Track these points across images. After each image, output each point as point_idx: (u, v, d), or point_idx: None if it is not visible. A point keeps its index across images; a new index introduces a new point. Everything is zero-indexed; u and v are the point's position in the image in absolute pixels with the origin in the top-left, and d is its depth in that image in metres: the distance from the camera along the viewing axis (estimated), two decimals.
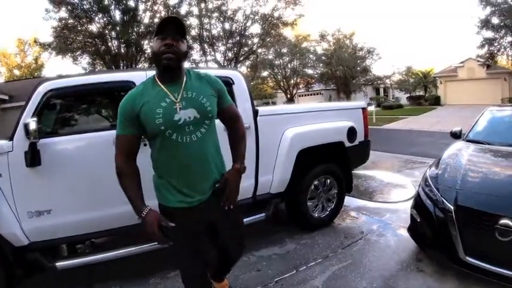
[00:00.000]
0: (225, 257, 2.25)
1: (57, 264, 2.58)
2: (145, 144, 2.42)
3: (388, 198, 4.92)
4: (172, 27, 1.69)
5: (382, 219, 4.06)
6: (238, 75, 3.22)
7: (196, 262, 1.90)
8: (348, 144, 3.83)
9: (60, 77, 2.77)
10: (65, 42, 16.79)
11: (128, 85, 2.72)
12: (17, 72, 33.64)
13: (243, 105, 3.08)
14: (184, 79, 1.76)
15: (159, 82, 1.74)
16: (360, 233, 3.67)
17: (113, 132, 2.58)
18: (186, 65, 1.90)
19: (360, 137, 4.03)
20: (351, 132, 3.85)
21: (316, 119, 3.69)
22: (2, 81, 27.90)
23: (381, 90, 38.79)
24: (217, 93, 1.83)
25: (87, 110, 3.07)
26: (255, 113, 3.18)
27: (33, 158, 2.39)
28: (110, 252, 2.73)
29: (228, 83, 3.05)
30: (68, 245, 2.84)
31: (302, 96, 36.83)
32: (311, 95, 36.77)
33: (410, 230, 3.17)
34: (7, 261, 2.51)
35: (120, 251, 2.75)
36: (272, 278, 2.86)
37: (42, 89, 2.54)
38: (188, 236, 1.82)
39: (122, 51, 17.40)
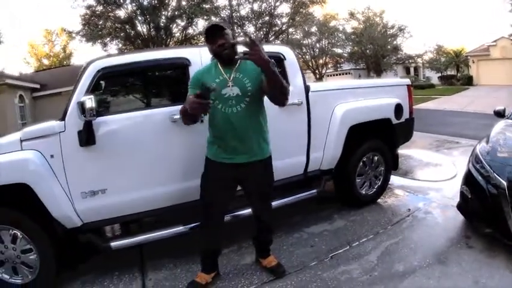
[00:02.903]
0: (257, 221, 2.58)
1: (111, 244, 2.56)
2: (201, 121, 2.47)
3: (429, 177, 4.83)
4: (214, 31, 2.14)
5: (427, 197, 4.01)
6: (289, 51, 3.18)
7: (217, 205, 2.39)
8: (394, 121, 3.75)
9: (111, 55, 2.76)
10: (94, 28, 16.93)
11: (182, 62, 2.73)
12: (45, 61, 34.20)
13: (295, 81, 3.05)
14: (238, 63, 2.21)
15: (219, 64, 2.24)
16: (407, 211, 3.64)
17: (168, 109, 2.66)
18: None
19: (406, 114, 3.93)
20: (398, 109, 3.76)
21: (364, 95, 3.62)
22: (32, 71, 28.70)
23: (411, 70, 37.49)
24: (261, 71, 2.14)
25: (140, 87, 3.05)
26: (307, 89, 3.14)
27: (88, 136, 2.38)
28: (164, 230, 2.71)
29: (280, 58, 3.02)
30: (121, 224, 2.86)
31: (331, 76, 35.92)
32: (340, 74, 35.98)
33: (460, 206, 3.13)
34: (59, 244, 2.55)
35: (174, 229, 2.73)
36: (326, 254, 2.89)
37: (94, 67, 2.51)
38: (218, 184, 2.31)
39: (152, 35, 17.42)
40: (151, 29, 17.41)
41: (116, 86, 2.90)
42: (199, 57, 2.75)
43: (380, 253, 2.84)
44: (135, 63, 2.68)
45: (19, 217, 2.46)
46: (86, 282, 2.77)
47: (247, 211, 2.75)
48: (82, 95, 2.36)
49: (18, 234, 2.46)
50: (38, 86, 18.96)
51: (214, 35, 2.12)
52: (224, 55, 2.14)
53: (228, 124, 2.19)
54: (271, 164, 2.42)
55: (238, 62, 2.21)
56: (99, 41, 17.47)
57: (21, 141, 2.42)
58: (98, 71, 2.51)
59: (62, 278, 2.73)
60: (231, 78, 2.18)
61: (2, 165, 2.36)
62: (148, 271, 2.86)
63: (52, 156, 2.40)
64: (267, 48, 3.14)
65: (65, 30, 19.35)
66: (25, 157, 2.37)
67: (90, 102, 2.23)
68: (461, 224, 3.19)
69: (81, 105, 2.25)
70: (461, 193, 3.08)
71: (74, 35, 17.84)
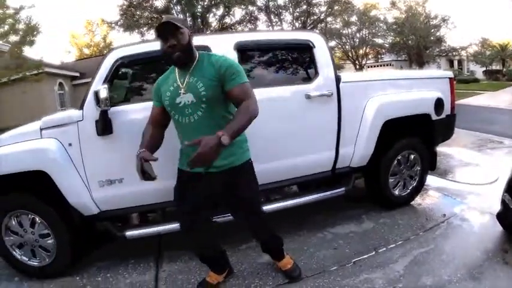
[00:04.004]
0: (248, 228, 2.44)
1: (126, 233, 2.60)
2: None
3: (469, 179, 4.45)
4: (168, 27, 1.84)
5: (465, 202, 3.68)
6: (319, 38, 2.95)
7: (190, 216, 2.15)
8: (434, 117, 3.43)
9: (129, 44, 2.67)
10: (131, 18, 17.29)
11: (204, 50, 2.60)
12: (86, 51, 35.46)
13: (324, 70, 2.85)
14: (194, 65, 1.95)
15: (176, 69, 2.01)
16: (442, 216, 3.35)
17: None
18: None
19: (447, 110, 3.59)
20: (439, 104, 3.43)
21: (401, 87, 3.34)
22: (73, 60, 29.92)
23: (455, 63, 35.73)
24: (221, 77, 1.90)
25: (158, 76, 2.98)
26: (337, 80, 2.92)
27: (104, 126, 2.37)
28: None
29: (308, 46, 2.84)
30: (139, 214, 2.83)
31: (371, 67, 35.04)
32: (381, 65, 34.96)
33: (499, 216, 2.85)
34: (75, 231, 2.60)
35: None
36: (349, 258, 2.69)
37: (113, 56, 2.49)
38: (194, 193, 2.09)
39: (189, 24, 17.48)
40: (188, 18, 17.48)
41: (135, 74, 2.84)
42: (218, 46, 2.60)
43: (408, 262, 2.61)
44: (154, 52, 2.54)
45: (37, 203, 2.52)
46: (101, 268, 2.81)
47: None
48: (100, 84, 2.37)
49: (37, 219, 2.54)
50: (77, 74, 19.90)
51: (166, 33, 1.85)
52: (175, 58, 1.88)
53: (187, 135, 1.95)
54: (247, 171, 2.14)
55: (194, 62, 1.96)
56: (136, 30, 17.82)
57: (41, 129, 2.47)
58: (117, 60, 2.48)
59: (79, 262, 2.77)
60: (185, 83, 1.93)
61: (22, 152, 2.43)
62: (163, 262, 2.83)
63: (70, 144, 2.43)
64: (294, 35, 2.99)
65: (104, 21, 19.97)
66: (44, 145, 2.42)
67: (104, 91, 2.23)
68: (500, 236, 2.90)
69: (96, 95, 2.26)
70: (503, 201, 2.81)
71: (112, 25, 18.32)
